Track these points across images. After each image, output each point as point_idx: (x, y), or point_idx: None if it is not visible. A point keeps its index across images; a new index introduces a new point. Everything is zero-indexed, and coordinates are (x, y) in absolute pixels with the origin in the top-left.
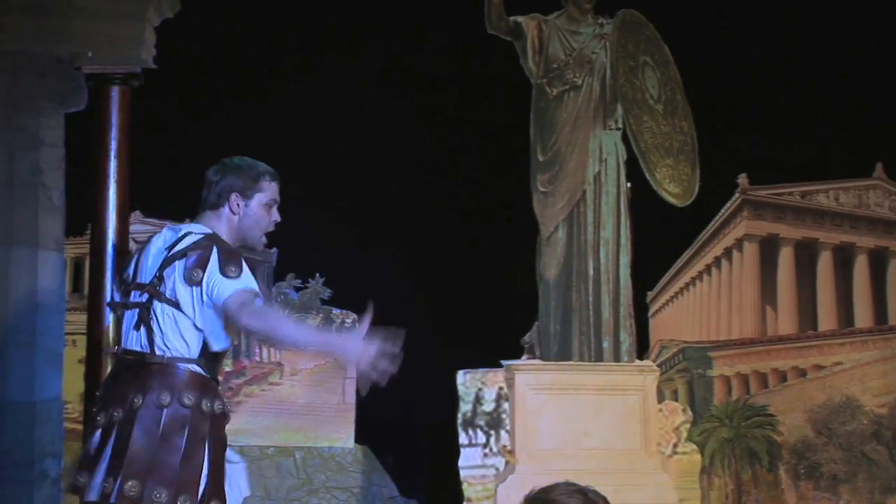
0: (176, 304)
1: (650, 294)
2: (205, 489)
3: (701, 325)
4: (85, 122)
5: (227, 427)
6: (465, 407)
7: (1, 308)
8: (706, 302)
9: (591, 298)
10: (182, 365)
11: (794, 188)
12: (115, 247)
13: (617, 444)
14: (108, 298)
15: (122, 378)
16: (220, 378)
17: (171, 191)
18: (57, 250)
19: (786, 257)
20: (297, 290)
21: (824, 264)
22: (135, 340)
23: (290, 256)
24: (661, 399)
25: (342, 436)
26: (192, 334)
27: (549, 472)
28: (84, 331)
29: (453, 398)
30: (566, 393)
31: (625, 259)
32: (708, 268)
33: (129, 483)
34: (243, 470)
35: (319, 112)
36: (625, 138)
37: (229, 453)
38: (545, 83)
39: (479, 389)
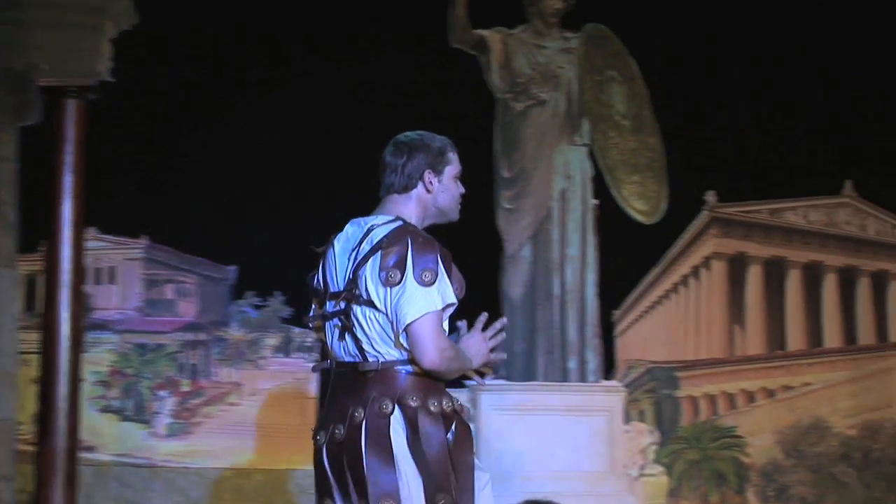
0: (374, 306)
1: (617, 313)
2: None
3: (668, 344)
4: (40, 137)
5: (187, 448)
6: None
7: None
8: (673, 321)
9: (556, 317)
10: (399, 368)
11: (762, 205)
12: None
13: (584, 466)
14: (309, 314)
15: (338, 393)
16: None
17: (127, 206)
18: (10, 267)
19: (754, 276)
20: (257, 308)
21: (793, 283)
22: (344, 351)
23: (250, 274)
24: (627, 420)
25: (302, 457)
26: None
27: (516, 494)
28: (36, 350)
29: None
30: (532, 413)
31: (591, 277)
32: (675, 286)
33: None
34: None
35: (282, 124)
36: (591, 154)
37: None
38: (510, 98)
39: None
